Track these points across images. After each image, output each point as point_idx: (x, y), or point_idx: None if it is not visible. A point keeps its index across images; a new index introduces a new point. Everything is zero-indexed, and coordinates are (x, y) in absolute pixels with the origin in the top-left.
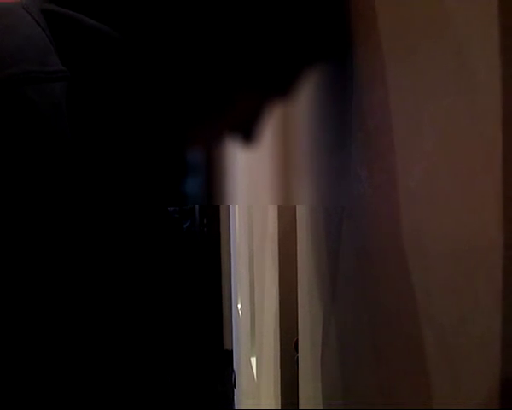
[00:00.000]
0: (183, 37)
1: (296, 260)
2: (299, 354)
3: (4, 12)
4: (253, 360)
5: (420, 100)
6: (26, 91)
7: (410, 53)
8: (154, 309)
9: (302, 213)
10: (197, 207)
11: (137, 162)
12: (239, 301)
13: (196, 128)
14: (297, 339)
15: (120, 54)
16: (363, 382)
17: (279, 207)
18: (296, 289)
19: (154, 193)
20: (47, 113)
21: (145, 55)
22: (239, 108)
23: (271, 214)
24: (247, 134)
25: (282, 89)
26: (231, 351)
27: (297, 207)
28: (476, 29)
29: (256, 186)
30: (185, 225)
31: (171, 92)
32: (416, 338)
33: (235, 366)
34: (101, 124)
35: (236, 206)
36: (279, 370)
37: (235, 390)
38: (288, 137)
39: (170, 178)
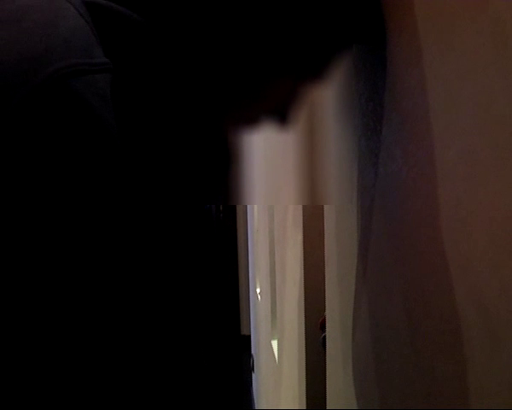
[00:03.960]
0: (219, 23)
1: (322, 241)
2: (327, 334)
3: (48, 4)
4: (274, 343)
5: (457, 79)
6: (74, 84)
7: (446, 33)
8: (173, 296)
9: None
10: None
11: (181, 151)
12: (258, 286)
13: (233, 113)
14: (323, 319)
15: (160, 45)
16: (398, 358)
17: None
18: (322, 269)
19: (197, 182)
20: (95, 105)
21: (184, 45)
22: (274, 92)
23: None
24: (282, 117)
25: (316, 72)
26: (249, 336)
27: None
28: None
29: (278, 184)
30: None
31: (209, 79)
32: (456, 310)
33: (253, 351)
34: (143, 115)
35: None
36: (304, 350)
37: (254, 374)
38: (314, 132)
39: (212, 166)
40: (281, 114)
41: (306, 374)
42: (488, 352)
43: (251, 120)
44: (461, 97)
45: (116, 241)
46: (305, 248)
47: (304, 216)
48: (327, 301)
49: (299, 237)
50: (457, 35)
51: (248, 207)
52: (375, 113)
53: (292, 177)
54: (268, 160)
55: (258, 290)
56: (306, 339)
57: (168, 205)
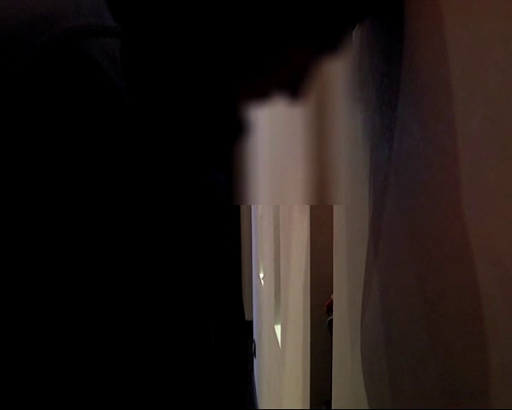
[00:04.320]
0: None
1: (329, 223)
2: (335, 316)
3: None
4: (278, 328)
5: (481, 47)
6: (84, 45)
7: (469, 1)
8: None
9: None
10: None
11: (189, 121)
12: (261, 271)
13: (244, 84)
14: (330, 302)
15: (170, 12)
16: (412, 339)
17: None
18: (328, 252)
19: (204, 154)
20: (105, 67)
21: (195, 13)
22: (287, 64)
23: None
24: (294, 91)
25: (330, 44)
26: (251, 322)
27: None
28: None
29: (284, 183)
30: None
31: (220, 49)
32: (477, 286)
33: (255, 336)
34: (152, 81)
35: None
36: (309, 334)
37: (255, 360)
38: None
39: (221, 136)
40: (292, 87)
41: (311, 358)
42: (510, 329)
43: (262, 92)
44: (485, 66)
45: (121, 207)
46: (311, 231)
47: None
48: (334, 284)
49: (306, 220)
50: (480, 1)
51: None
52: (390, 87)
53: (299, 174)
54: (273, 158)
55: (261, 275)
56: (312, 322)
57: (173, 181)
